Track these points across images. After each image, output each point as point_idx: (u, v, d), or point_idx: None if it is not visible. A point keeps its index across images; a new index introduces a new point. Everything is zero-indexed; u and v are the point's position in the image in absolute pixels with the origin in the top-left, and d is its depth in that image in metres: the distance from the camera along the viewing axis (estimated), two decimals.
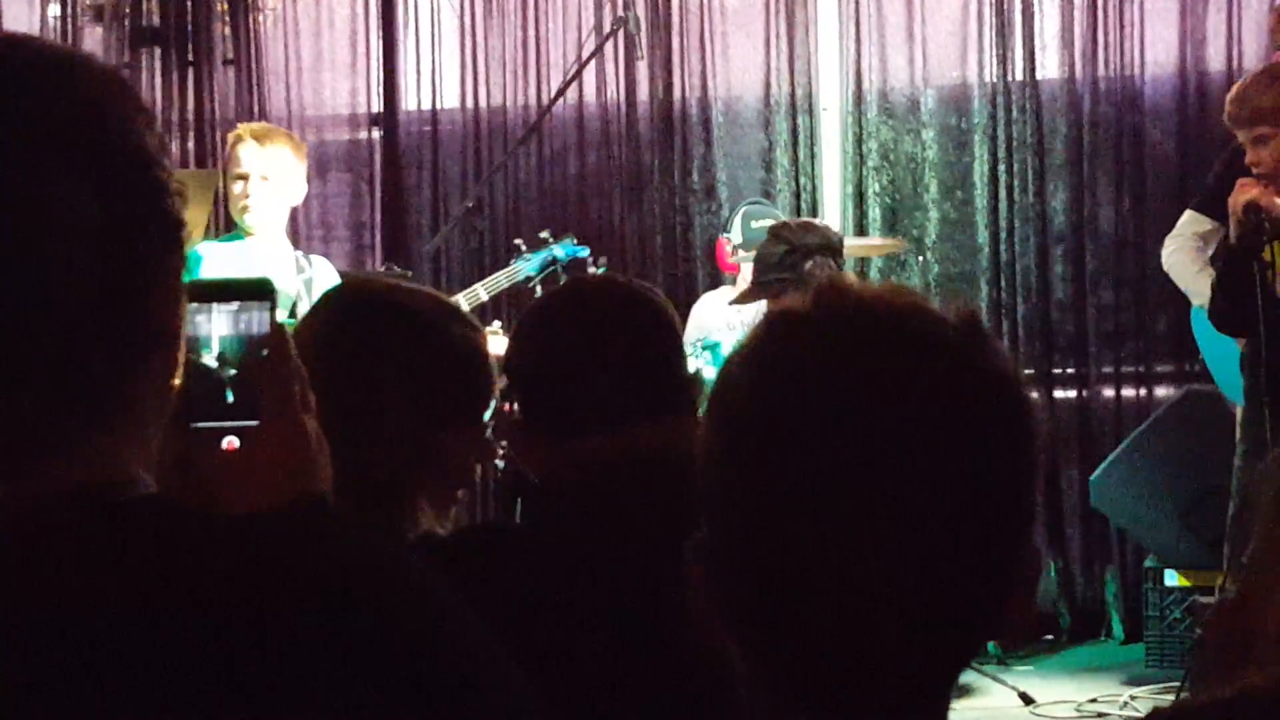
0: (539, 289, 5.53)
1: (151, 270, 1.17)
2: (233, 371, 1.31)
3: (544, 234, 5.78)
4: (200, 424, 1.30)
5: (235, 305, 1.31)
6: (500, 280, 5.59)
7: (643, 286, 2.48)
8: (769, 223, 6.40)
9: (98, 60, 1.20)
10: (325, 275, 5.34)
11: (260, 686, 1.06)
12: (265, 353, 1.32)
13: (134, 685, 1.06)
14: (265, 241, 5.30)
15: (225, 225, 5.62)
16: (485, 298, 5.51)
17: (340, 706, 1.07)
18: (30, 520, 1.10)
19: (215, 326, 1.31)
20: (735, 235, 6.50)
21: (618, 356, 2.26)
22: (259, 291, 1.32)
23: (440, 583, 1.17)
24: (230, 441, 1.30)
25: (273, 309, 1.32)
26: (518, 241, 5.80)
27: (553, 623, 2.05)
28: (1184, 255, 5.61)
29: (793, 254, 5.59)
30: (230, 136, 5.41)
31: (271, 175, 5.27)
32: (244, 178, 5.27)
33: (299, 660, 1.07)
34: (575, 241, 5.77)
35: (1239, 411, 5.38)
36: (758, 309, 6.28)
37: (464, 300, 5.28)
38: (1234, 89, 5.09)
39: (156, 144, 1.19)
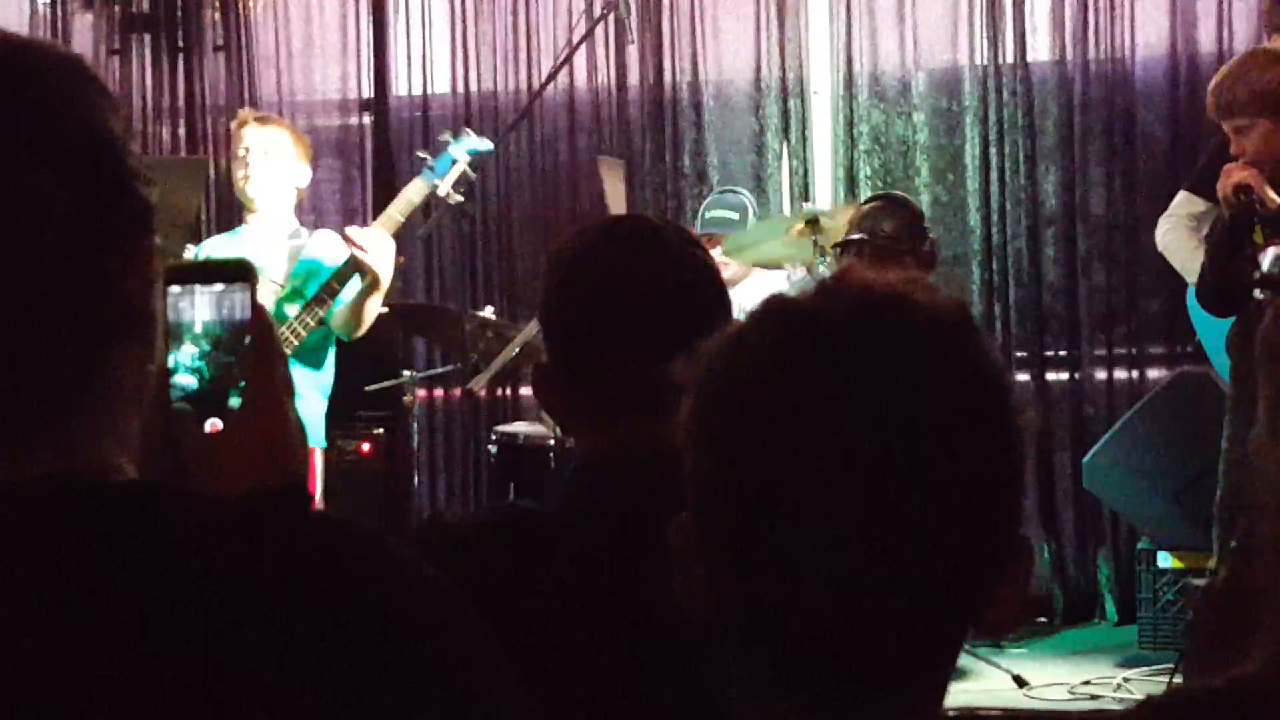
0: (451, 196, 5.26)
1: (121, 255, 1.16)
2: (216, 354, 1.31)
3: (443, 136, 5.41)
4: (183, 404, 1.30)
5: (218, 288, 1.31)
6: (411, 199, 5.18)
7: (682, 229, 2.28)
8: (722, 213, 6.50)
9: (59, 47, 1.20)
10: (321, 242, 5.35)
11: (236, 674, 1.06)
12: (248, 337, 1.31)
13: (109, 676, 1.06)
14: (266, 219, 5.33)
15: (218, 214, 5.60)
16: (401, 220, 5.10)
17: (320, 692, 1.08)
18: (5, 508, 1.10)
19: (198, 310, 1.31)
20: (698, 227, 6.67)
21: (654, 303, 2.10)
22: (239, 273, 1.32)
23: (429, 568, 1.16)
24: (214, 424, 1.30)
25: (254, 290, 1.32)
26: (421, 154, 5.43)
27: (588, 611, 1.99)
28: (1178, 235, 5.61)
29: (919, 226, 5.59)
30: (234, 123, 5.41)
31: (272, 152, 5.36)
32: (247, 150, 5.34)
33: (279, 648, 1.07)
34: (476, 134, 5.44)
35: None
36: (742, 294, 6.29)
37: (380, 230, 5.01)
38: (1213, 81, 5.10)
39: (122, 129, 1.18)
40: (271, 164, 5.35)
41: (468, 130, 5.50)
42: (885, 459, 1.14)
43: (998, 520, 1.19)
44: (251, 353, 1.31)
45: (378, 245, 4.96)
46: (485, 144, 5.37)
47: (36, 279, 1.12)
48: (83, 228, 1.14)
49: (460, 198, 5.32)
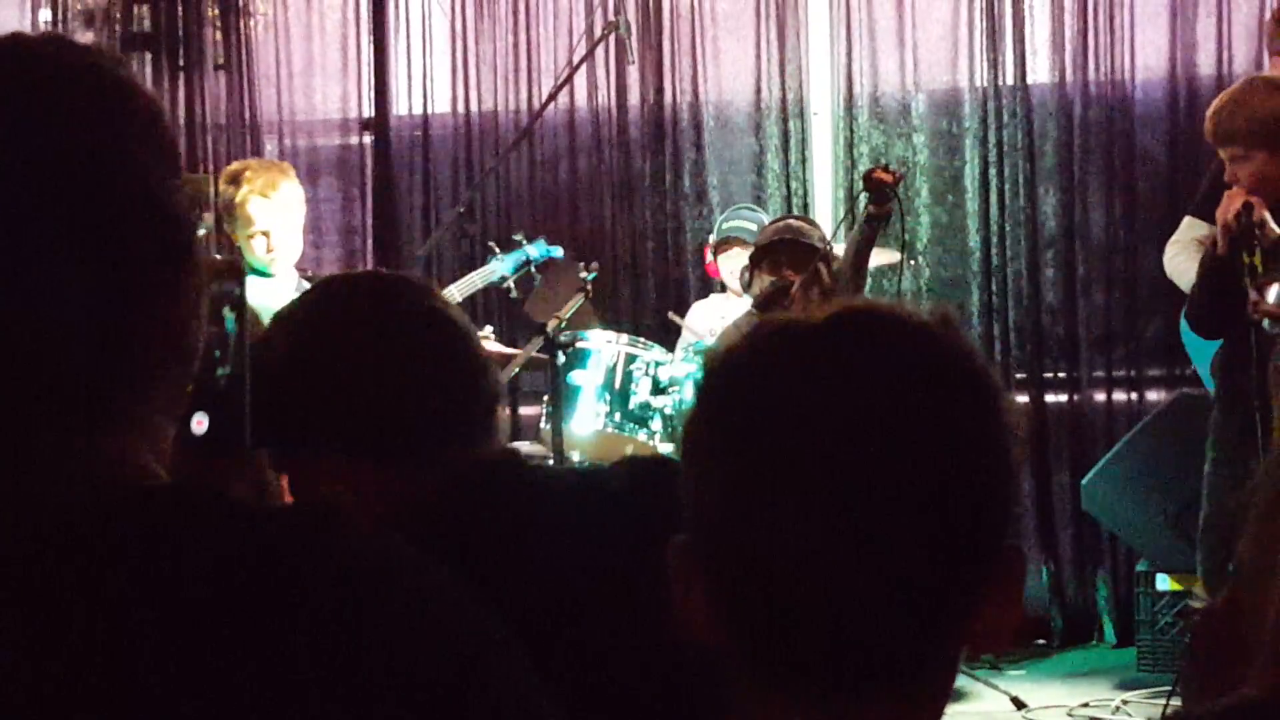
0: (513, 289, 5.48)
1: (163, 288, 1.18)
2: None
3: (517, 236, 5.73)
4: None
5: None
6: (475, 281, 5.49)
7: (414, 281, 2.21)
8: (740, 223, 6.55)
9: (98, 76, 1.22)
10: None
11: (277, 676, 1.07)
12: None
13: (159, 680, 1.06)
14: (282, 274, 5.31)
15: (218, 231, 5.59)
16: (459, 298, 5.36)
17: (358, 696, 1.08)
18: (48, 513, 1.11)
19: None
20: (713, 240, 6.77)
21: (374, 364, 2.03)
22: (230, 272, 1.35)
23: (465, 588, 1.17)
24: (199, 419, 1.33)
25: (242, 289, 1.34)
26: (491, 244, 5.74)
27: None
28: (1185, 258, 5.62)
29: (820, 244, 5.64)
30: (227, 189, 5.25)
31: (288, 220, 5.29)
32: (265, 234, 5.24)
33: (318, 651, 1.08)
34: (548, 242, 5.74)
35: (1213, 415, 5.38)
36: (741, 313, 6.30)
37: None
38: (1212, 106, 5.10)
39: (169, 156, 1.21)
40: (290, 231, 5.27)
41: (542, 239, 5.79)
42: (867, 464, 1.17)
43: (988, 523, 1.21)
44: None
45: None
46: (557, 251, 5.67)
47: (75, 312, 1.14)
48: (116, 264, 1.16)
49: (516, 294, 5.68)
